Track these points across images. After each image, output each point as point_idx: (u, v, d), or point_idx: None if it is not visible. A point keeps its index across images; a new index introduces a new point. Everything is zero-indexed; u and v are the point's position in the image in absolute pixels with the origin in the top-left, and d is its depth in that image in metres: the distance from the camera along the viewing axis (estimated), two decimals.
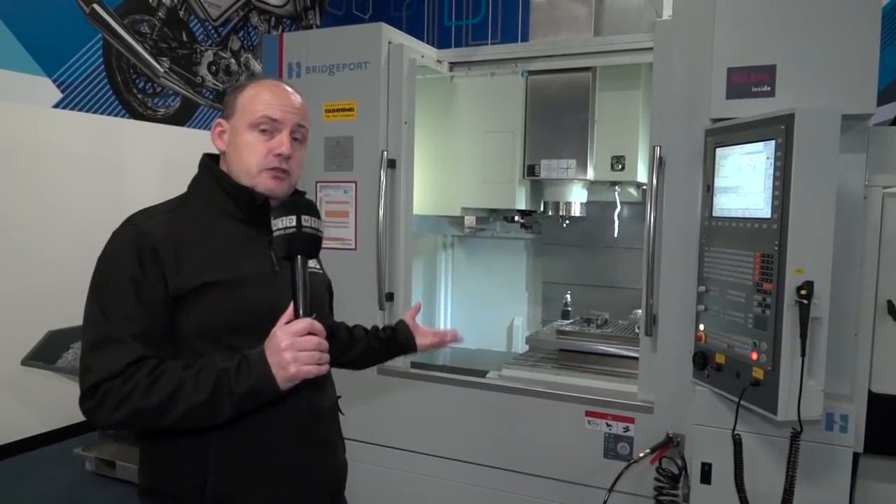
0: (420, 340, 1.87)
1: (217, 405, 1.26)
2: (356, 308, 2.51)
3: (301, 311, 1.30)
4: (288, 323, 1.28)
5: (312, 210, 1.37)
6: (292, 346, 1.25)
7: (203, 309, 1.33)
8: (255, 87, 1.46)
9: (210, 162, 1.50)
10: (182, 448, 1.35)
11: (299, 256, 1.33)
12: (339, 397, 1.63)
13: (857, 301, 1.98)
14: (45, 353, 3.72)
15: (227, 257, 1.39)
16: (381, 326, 1.92)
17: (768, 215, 1.76)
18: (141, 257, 1.30)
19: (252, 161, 1.42)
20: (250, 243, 1.43)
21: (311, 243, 1.35)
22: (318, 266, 1.60)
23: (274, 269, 1.43)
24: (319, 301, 1.55)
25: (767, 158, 1.77)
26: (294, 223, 1.33)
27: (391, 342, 1.86)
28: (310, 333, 1.27)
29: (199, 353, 1.32)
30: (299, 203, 1.38)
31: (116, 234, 1.36)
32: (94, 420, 1.30)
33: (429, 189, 3.12)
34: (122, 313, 1.28)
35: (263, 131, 1.43)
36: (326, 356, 1.30)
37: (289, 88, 1.49)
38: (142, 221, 1.36)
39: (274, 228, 1.35)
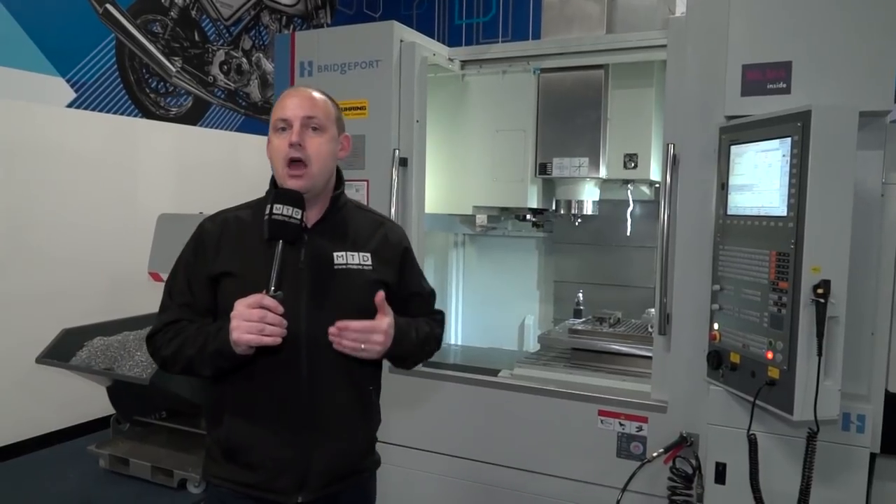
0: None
1: (202, 360, 1.53)
2: None
3: (271, 288, 1.47)
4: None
5: (290, 199, 1.52)
6: (239, 315, 1.45)
7: (224, 293, 1.59)
8: (283, 95, 1.65)
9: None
10: (214, 396, 1.65)
11: (281, 242, 1.51)
12: (373, 388, 1.72)
13: (875, 300, 1.96)
14: (60, 352, 3.73)
15: (252, 253, 1.58)
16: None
17: (784, 213, 1.75)
18: (196, 248, 1.64)
19: (277, 160, 1.60)
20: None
21: (281, 229, 1.51)
22: (363, 263, 1.65)
23: (298, 267, 1.57)
24: (350, 293, 1.61)
25: (783, 156, 1.75)
26: (299, 217, 1.53)
27: None
28: (259, 307, 1.44)
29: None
30: (280, 193, 1.54)
31: (198, 226, 1.68)
32: (155, 358, 1.67)
33: (440, 188, 3.12)
34: (177, 289, 1.64)
35: (282, 131, 1.59)
36: (272, 328, 1.43)
37: (303, 90, 1.64)
38: (209, 219, 1.68)
39: (275, 212, 1.52)
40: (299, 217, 1.53)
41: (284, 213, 1.51)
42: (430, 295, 1.88)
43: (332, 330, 1.52)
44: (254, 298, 1.45)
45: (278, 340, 1.46)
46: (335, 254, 1.62)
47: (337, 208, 1.68)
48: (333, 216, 1.67)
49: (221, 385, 1.62)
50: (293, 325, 1.50)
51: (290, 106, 1.60)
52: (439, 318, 1.88)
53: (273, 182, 1.66)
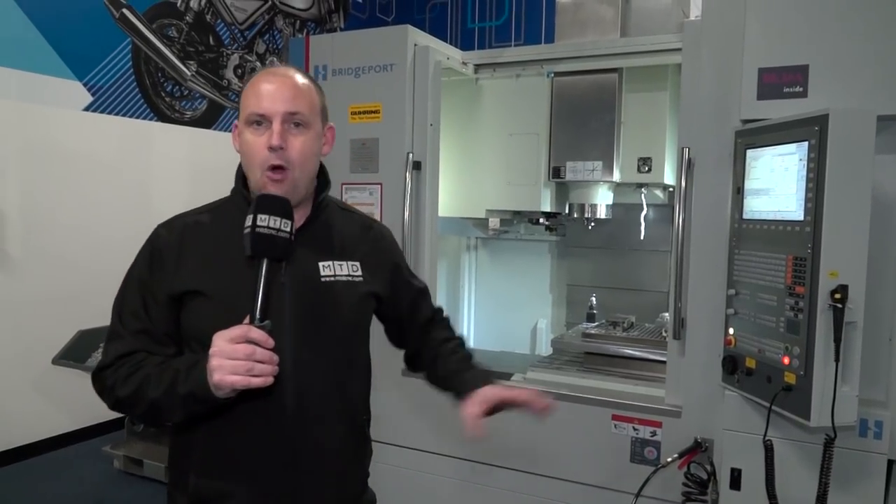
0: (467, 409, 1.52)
1: (170, 404, 1.27)
2: None
3: (256, 317, 1.22)
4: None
5: (278, 208, 1.28)
6: (220, 353, 1.19)
7: (191, 315, 1.35)
8: (252, 80, 1.38)
9: (241, 170, 1.46)
10: (176, 443, 1.41)
11: (265, 260, 1.26)
12: (367, 419, 1.55)
13: (893, 304, 1.94)
14: (76, 353, 3.77)
15: (225, 266, 1.35)
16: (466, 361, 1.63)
17: (801, 217, 1.74)
18: (150, 260, 1.37)
19: (252, 161, 1.35)
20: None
21: (268, 245, 1.26)
22: (353, 274, 1.44)
23: (280, 282, 1.33)
24: (340, 309, 1.41)
25: (800, 160, 1.74)
26: (289, 230, 1.28)
27: (452, 386, 1.58)
28: (246, 342, 1.19)
29: (195, 353, 1.31)
30: (264, 200, 1.28)
31: (150, 235, 1.42)
32: (104, 399, 1.37)
33: (453, 191, 3.12)
34: (129, 311, 1.35)
35: (258, 125, 1.34)
36: (263, 367, 1.19)
37: (283, 74, 1.38)
38: (164, 225, 1.41)
39: (259, 223, 1.26)
40: (288, 230, 1.28)
41: (271, 225, 1.26)
42: (427, 290, 1.70)
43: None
44: (237, 331, 1.19)
45: (270, 380, 1.20)
46: (321, 264, 1.39)
47: (320, 212, 1.46)
48: (316, 221, 1.44)
49: (185, 432, 1.36)
50: (276, 353, 1.22)
51: (269, 96, 1.33)
52: (448, 321, 1.72)
53: (243, 181, 1.42)
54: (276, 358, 1.21)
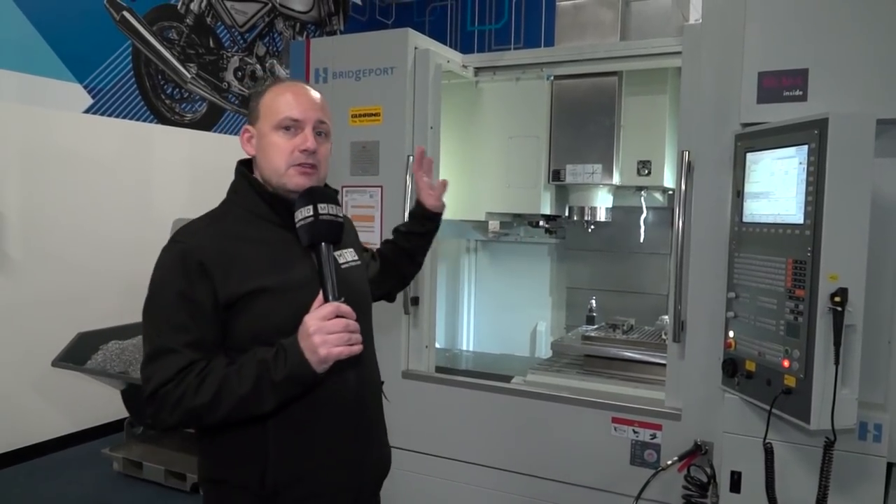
0: (427, 201, 1.95)
1: (260, 395, 1.32)
2: (381, 312, 2.50)
3: (330, 296, 1.35)
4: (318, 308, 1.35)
5: (328, 197, 1.44)
6: (320, 330, 1.30)
7: (254, 314, 1.40)
8: (276, 90, 1.51)
9: (243, 169, 1.55)
10: (243, 441, 1.42)
11: (323, 244, 1.40)
12: (383, 383, 1.71)
13: (892, 308, 1.95)
14: (75, 355, 3.78)
15: (271, 263, 1.44)
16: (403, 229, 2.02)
17: (801, 221, 1.74)
18: (188, 272, 1.37)
19: (279, 160, 1.46)
20: (290, 245, 1.47)
21: (330, 229, 1.42)
22: (356, 259, 1.64)
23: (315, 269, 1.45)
24: (360, 288, 1.61)
25: (800, 163, 1.75)
26: (311, 212, 1.40)
27: (413, 229, 1.98)
28: (338, 317, 1.32)
29: (262, 342, 1.38)
30: (315, 192, 1.44)
31: (164, 253, 1.42)
32: (157, 423, 1.38)
33: (453, 194, 3.09)
34: (172, 325, 1.36)
35: (287, 130, 1.47)
36: (357, 336, 1.34)
37: (307, 87, 1.54)
38: (187, 238, 1.43)
39: (296, 220, 1.41)
40: (341, 215, 1.46)
41: (331, 211, 1.42)
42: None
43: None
44: (328, 309, 1.32)
45: (362, 348, 1.37)
46: (335, 254, 1.52)
47: None
48: None
49: (256, 424, 1.40)
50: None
51: (303, 105, 1.48)
52: None
53: (250, 182, 1.51)
54: (359, 326, 1.36)
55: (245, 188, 1.51)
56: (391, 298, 2.08)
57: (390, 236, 2.03)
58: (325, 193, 1.45)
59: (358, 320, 1.39)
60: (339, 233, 1.45)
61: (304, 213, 1.40)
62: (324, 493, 1.47)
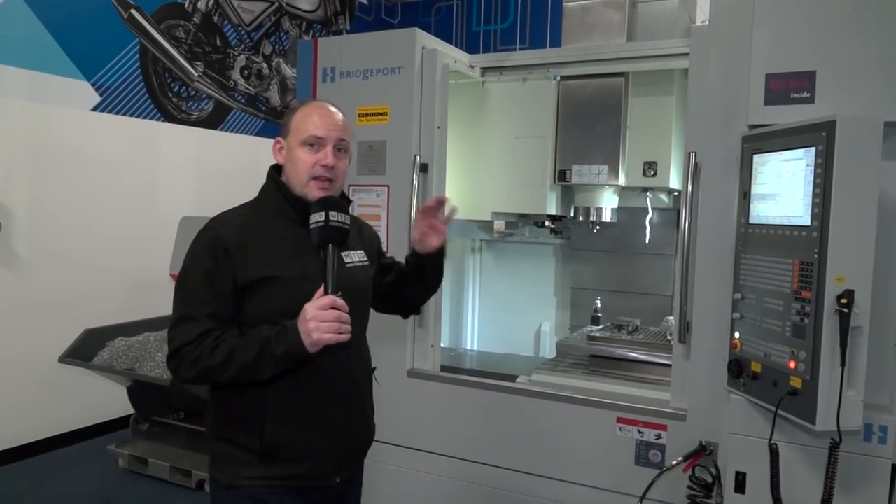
0: (421, 248, 1.92)
1: (262, 364, 1.57)
2: None
3: (329, 290, 1.58)
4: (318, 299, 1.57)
5: (339, 206, 1.67)
6: (315, 318, 1.53)
7: (264, 298, 1.64)
8: (305, 110, 1.74)
9: (274, 173, 1.78)
10: (245, 402, 1.65)
11: (330, 245, 1.62)
12: (375, 368, 1.93)
13: None
14: (82, 352, 3.80)
15: (285, 255, 1.68)
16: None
17: (808, 223, 1.74)
18: (215, 256, 1.62)
19: (303, 172, 1.69)
20: (305, 242, 1.68)
21: (337, 234, 1.64)
22: (364, 260, 1.85)
23: (325, 266, 1.65)
24: (361, 286, 1.81)
25: (807, 165, 1.75)
26: (323, 218, 1.62)
27: (414, 267, 1.97)
28: (332, 308, 1.55)
29: (269, 321, 1.61)
30: (329, 201, 1.66)
31: (199, 236, 1.68)
32: (176, 376, 1.65)
33: (459, 193, 3.13)
34: (197, 298, 1.62)
35: (312, 146, 1.70)
36: (347, 326, 1.57)
37: (332, 108, 1.76)
38: (219, 226, 1.68)
39: (310, 223, 1.64)
40: (348, 222, 1.67)
41: (339, 219, 1.64)
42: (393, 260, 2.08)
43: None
44: (325, 300, 1.55)
45: (350, 337, 1.58)
46: (342, 254, 1.74)
47: None
48: None
49: (258, 391, 1.63)
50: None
51: (327, 125, 1.71)
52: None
53: (278, 185, 1.74)
54: (350, 318, 1.58)
55: (274, 190, 1.75)
56: (405, 314, 2.15)
57: (396, 236, 2.09)
58: (338, 203, 1.67)
59: (353, 313, 1.60)
60: (346, 237, 1.67)
61: (317, 218, 1.63)
62: (313, 455, 1.68)
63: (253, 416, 1.65)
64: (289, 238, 1.70)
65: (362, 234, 1.92)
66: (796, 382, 1.76)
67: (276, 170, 1.79)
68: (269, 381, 1.61)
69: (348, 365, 1.75)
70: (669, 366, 2.39)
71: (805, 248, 1.75)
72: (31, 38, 4.01)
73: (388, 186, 2.72)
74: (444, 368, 2.83)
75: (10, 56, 3.90)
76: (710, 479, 2.15)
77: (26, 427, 4.10)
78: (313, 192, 1.69)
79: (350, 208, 1.78)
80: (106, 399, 4.34)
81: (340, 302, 1.57)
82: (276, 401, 1.64)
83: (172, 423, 3.94)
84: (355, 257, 1.82)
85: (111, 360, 3.77)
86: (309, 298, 1.58)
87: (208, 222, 1.71)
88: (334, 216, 1.64)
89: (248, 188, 1.92)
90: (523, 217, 3.30)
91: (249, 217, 1.72)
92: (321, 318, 1.54)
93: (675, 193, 3.01)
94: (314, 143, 1.70)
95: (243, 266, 1.63)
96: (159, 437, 4.03)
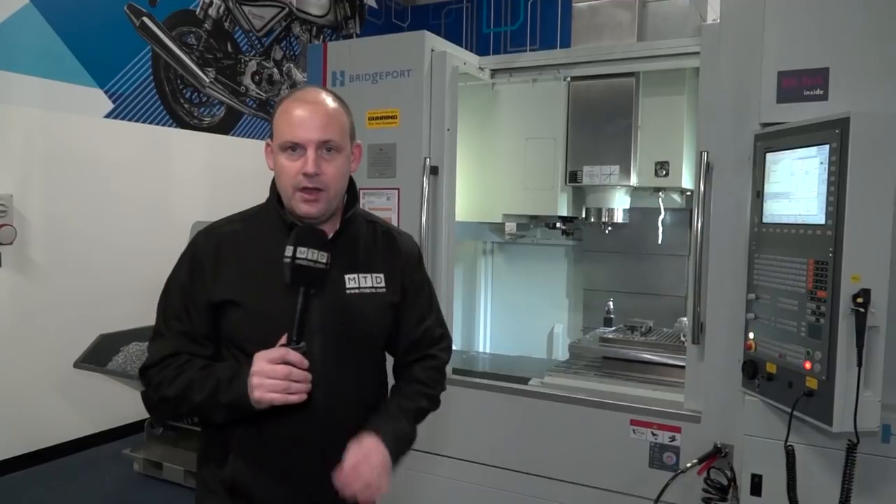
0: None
1: (211, 409, 1.39)
2: None
3: (293, 339, 1.34)
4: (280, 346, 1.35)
5: (316, 240, 1.38)
6: (260, 373, 1.32)
7: (228, 321, 1.45)
8: (284, 106, 1.45)
9: (273, 182, 1.51)
10: (212, 438, 1.50)
11: (302, 288, 1.36)
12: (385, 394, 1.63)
13: None
14: (97, 356, 3.82)
15: (260, 278, 1.43)
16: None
17: (822, 221, 1.72)
18: (191, 268, 1.46)
19: (286, 182, 1.43)
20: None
21: (307, 275, 1.36)
22: (380, 286, 1.52)
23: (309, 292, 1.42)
24: (362, 317, 1.50)
25: (821, 163, 1.73)
26: (290, 254, 1.35)
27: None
28: (284, 363, 1.32)
29: (233, 355, 1.45)
30: (302, 232, 1.38)
31: (187, 245, 1.50)
32: (145, 398, 1.53)
33: (470, 196, 3.13)
34: (172, 313, 1.46)
35: (293, 150, 1.41)
36: (299, 386, 1.33)
37: (317, 100, 1.45)
38: (204, 233, 1.49)
39: (299, 255, 1.36)
40: (325, 261, 1.37)
41: (310, 257, 1.35)
42: (442, 337, 1.67)
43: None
44: (276, 353, 1.32)
45: (304, 397, 1.34)
46: (346, 277, 1.48)
47: (348, 226, 1.53)
48: (344, 235, 1.51)
49: (224, 428, 1.45)
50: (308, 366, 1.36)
51: (303, 125, 1.40)
52: (437, 366, 1.66)
53: (275, 191, 1.50)
54: (309, 377, 1.34)
55: (273, 201, 1.51)
56: None
57: None
58: (315, 235, 1.39)
59: (348, 347, 1.44)
60: (320, 280, 1.38)
61: (314, 256, 1.36)
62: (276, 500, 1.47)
63: (220, 450, 1.47)
64: (272, 259, 1.39)
65: (393, 252, 1.58)
66: (812, 383, 1.74)
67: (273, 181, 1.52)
68: (236, 422, 1.41)
69: (325, 420, 1.44)
70: (683, 367, 2.37)
71: (820, 246, 1.73)
72: (45, 47, 4.05)
73: (398, 189, 2.72)
74: (456, 371, 2.82)
75: (25, 65, 3.94)
76: (725, 482, 2.13)
77: (42, 432, 4.13)
78: (300, 208, 1.41)
79: (360, 206, 1.58)
80: (120, 403, 4.36)
81: (294, 356, 1.32)
82: (239, 441, 1.45)
83: (186, 428, 3.96)
84: (364, 282, 1.50)
85: (126, 365, 3.79)
86: (274, 325, 1.36)
87: (202, 229, 1.53)
88: (303, 253, 1.35)
89: (259, 193, 1.84)
90: (534, 219, 3.29)
91: (242, 226, 1.50)
92: (267, 374, 1.31)
93: (688, 193, 2.99)
94: (294, 148, 1.40)
95: (214, 283, 1.43)
96: (173, 442, 4.04)
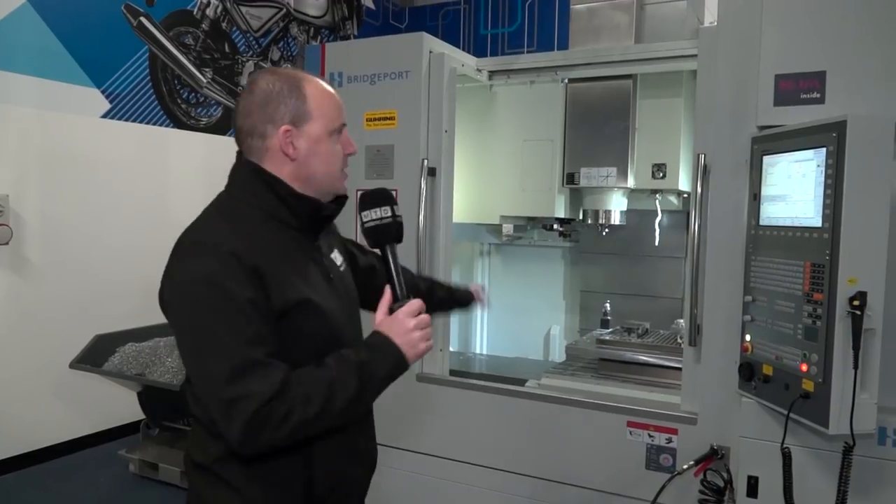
0: (464, 299, 2.02)
1: (364, 395, 1.33)
2: None
3: (400, 295, 1.42)
4: (393, 306, 1.41)
5: (390, 199, 1.47)
6: (418, 325, 1.37)
7: (307, 320, 1.35)
8: (314, 90, 1.40)
9: (259, 168, 1.41)
10: (264, 456, 1.33)
11: (388, 245, 1.45)
12: None
13: None
14: (93, 357, 3.81)
15: (304, 272, 1.39)
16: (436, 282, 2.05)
17: (819, 224, 1.73)
18: (248, 278, 1.26)
19: (335, 167, 1.44)
20: (309, 253, 1.44)
21: (399, 230, 1.47)
22: (344, 260, 1.60)
23: (329, 277, 1.47)
24: (353, 289, 1.59)
25: (818, 166, 1.73)
26: (389, 213, 1.44)
27: (453, 297, 2.01)
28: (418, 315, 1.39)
29: (297, 364, 1.29)
30: (387, 195, 1.47)
31: (204, 261, 1.27)
32: (255, 444, 1.24)
33: (467, 197, 3.13)
34: (247, 338, 1.23)
35: (339, 134, 1.45)
36: (430, 330, 1.41)
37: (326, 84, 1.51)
38: (228, 241, 1.29)
39: (365, 220, 1.44)
40: (389, 214, 1.46)
41: (397, 213, 1.46)
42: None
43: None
44: (416, 304, 1.39)
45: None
46: (331, 256, 1.53)
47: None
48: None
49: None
50: (355, 329, 1.49)
51: (342, 108, 1.47)
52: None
53: (269, 185, 1.39)
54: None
55: (262, 190, 1.39)
56: None
57: (404, 240, 1.93)
58: (391, 196, 1.48)
59: (352, 319, 1.49)
60: (398, 231, 1.47)
61: (377, 214, 1.44)
62: (347, 491, 1.50)
63: (300, 453, 1.37)
64: (294, 248, 1.40)
65: (333, 231, 1.65)
66: (808, 385, 1.75)
67: (255, 167, 1.42)
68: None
69: None
70: (680, 369, 2.37)
71: (816, 249, 1.74)
72: (42, 47, 4.04)
73: (395, 191, 2.70)
74: (453, 373, 2.82)
75: (21, 64, 3.93)
76: (721, 484, 2.14)
77: (37, 433, 4.11)
78: (343, 184, 1.47)
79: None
80: (116, 404, 4.35)
81: (420, 305, 1.41)
82: (321, 439, 1.39)
83: (182, 429, 3.95)
84: (338, 260, 1.56)
85: (122, 366, 3.78)
86: (342, 327, 1.41)
87: (198, 243, 1.33)
88: (398, 210, 1.46)
89: None
90: (532, 220, 3.30)
91: (245, 227, 1.35)
92: (423, 325, 1.37)
93: (685, 195, 3.00)
94: (341, 130, 1.45)
95: (277, 288, 1.30)
96: (169, 442, 4.03)
